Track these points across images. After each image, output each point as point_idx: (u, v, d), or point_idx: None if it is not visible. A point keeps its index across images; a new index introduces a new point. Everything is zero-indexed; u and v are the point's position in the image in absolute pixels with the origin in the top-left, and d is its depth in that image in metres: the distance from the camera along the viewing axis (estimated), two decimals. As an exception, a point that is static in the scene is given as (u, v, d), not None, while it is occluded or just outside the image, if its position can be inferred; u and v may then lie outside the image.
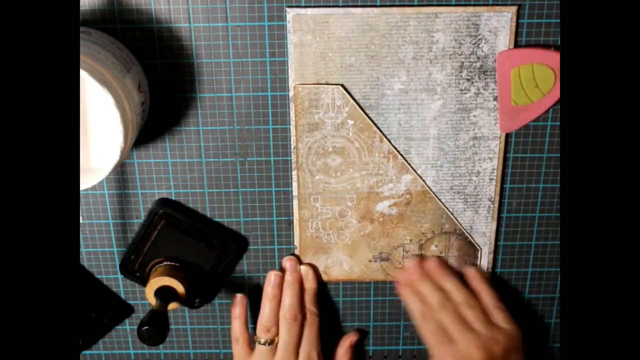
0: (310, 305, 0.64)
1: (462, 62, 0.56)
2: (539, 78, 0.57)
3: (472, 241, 0.62)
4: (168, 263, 0.63)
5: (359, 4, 0.55)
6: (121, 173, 0.62)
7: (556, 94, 0.58)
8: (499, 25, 0.55)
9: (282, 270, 0.64)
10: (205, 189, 0.62)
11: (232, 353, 0.69)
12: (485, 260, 0.64)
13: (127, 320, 0.68)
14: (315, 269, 0.64)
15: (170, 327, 0.68)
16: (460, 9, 0.54)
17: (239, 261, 0.65)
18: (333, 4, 0.55)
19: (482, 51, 0.56)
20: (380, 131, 0.58)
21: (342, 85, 0.56)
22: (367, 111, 0.57)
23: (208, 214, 0.63)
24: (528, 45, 0.57)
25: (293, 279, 0.63)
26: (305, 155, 0.58)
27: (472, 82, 0.56)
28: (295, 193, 0.61)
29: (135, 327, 0.67)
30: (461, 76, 0.56)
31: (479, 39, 0.55)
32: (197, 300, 0.66)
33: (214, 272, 0.64)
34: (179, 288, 0.61)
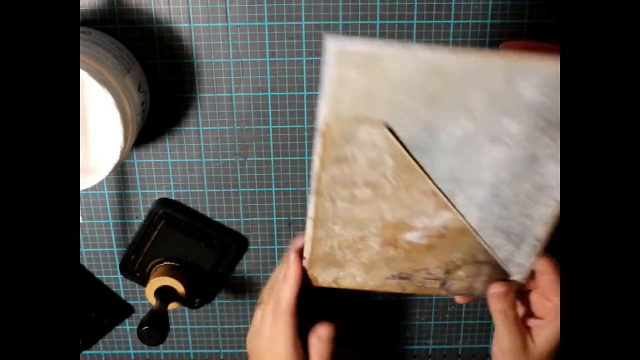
0: None
1: (545, 116, 0.46)
2: None
3: (505, 270, 0.55)
4: (168, 263, 0.63)
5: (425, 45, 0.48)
6: (121, 173, 0.62)
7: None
8: None
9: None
10: (205, 189, 0.62)
11: (234, 352, 0.69)
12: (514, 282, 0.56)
13: (127, 320, 0.68)
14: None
15: (170, 327, 0.68)
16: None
17: (239, 261, 0.65)
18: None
19: None
20: (426, 174, 0.48)
21: (387, 126, 0.45)
22: (412, 152, 0.46)
23: (208, 214, 0.63)
24: (533, 39, 0.57)
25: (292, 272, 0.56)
26: (329, 185, 0.48)
27: (547, 133, 0.47)
28: (311, 215, 0.51)
29: (135, 327, 0.67)
30: (537, 128, 0.46)
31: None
32: (197, 300, 0.66)
33: (214, 272, 0.64)
34: (179, 288, 0.61)
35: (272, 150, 0.61)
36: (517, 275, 0.55)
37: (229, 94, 0.59)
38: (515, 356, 0.55)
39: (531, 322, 0.55)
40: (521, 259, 0.53)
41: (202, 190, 0.63)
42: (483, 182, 0.48)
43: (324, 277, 0.57)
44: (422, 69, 0.43)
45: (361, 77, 0.43)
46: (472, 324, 0.69)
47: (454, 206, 0.50)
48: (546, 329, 0.54)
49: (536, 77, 0.43)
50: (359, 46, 0.42)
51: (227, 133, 0.60)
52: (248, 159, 0.61)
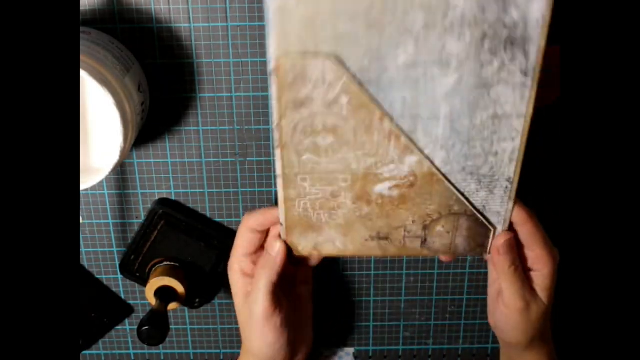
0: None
1: (485, 32, 0.46)
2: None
3: (484, 221, 0.54)
4: (168, 263, 0.63)
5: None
6: (121, 173, 0.62)
7: (556, 91, 0.58)
8: None
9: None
10: (205, 189, 0.62)
11: (234, 352, 0.69)
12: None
13: (127, 320, 0.68)
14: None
15: (170, 327, 0.68)
16: None
17: (239, 261, 0.65)
18: None
19: (511, 18, 0.46)
20: (381, 109, 0.49)
21: (335, 57, 0.47)
22: (365, 86, 0.48)
23: (208, 214, 0.63)
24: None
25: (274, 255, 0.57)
26: (291, 134, 0.50)
27: (496, 54, 0.47)
28: (279, 172, 0.52)
29: (135, 327, 0.67)
30: (483, 48, 0.47)
31: (508, 4, 0.45)
32: (197, 300, 0.66)
33: (214, 272, 0.64)
34: (179, 288, 0.61)
35: (272, 151, 0.61)
36: (498, 225, 0.55)
37: (229, 94, 0.59)
38: (525, 313, 0.55)
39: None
40: (497, 206, 0.53)
41: (202, 190, 0.63)
42: (440, 116, 0.49)
43: (304, 245, 0.56)
44: None
45: (301, 5, 0.45)
46: (472, 324, 0.69)
47: (416, 146, 0.50)
48: (538, 280, 0.55)
49: None
50: None
51: (227, 133, 0.60)
52: (248, 159, 0.61)
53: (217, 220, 0.64)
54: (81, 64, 0.48)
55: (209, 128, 0.60)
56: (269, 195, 0.63)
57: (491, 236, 0.55)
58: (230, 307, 0.67)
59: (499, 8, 0.46)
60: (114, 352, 0.69)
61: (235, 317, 0.67)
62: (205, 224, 0.63)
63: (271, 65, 0.47)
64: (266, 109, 0.60)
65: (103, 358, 0.70)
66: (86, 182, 0.52)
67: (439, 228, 0.55)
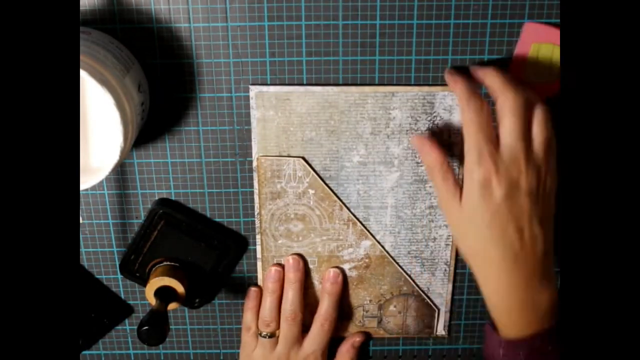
0: (329, 310, 0.64)
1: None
2: (556, 60, 0.57)
3: (430, 302, 0.64)
4: (168, 263, 0.63)
5: (321, 82, 0.57)
6: (121, 173, 0.62)
7: (555, 89, 0.58)
8: (454, 103, 0.57)
9: (284, 266, 0.64)
10: (205, 189, 0.62)
11: (234, 352, 0.69)
12: (442, 319, 0.66)
13: (127, 320, 0.68)
14: (343, 271, 0.64)
15: (170, 327, 0.68)
16: (416, 88, 0.57)
17: (239, 261, 0.65)
18: (295, 83, 0.57)
19: (438, 127, 0.58)
20: (340, 200, 0.60)
21: (303, 158, 0.59)
22: (327, 182, 0.59)
23: (208, 214, 0.64)
24: (557, 25, 0.57)
25: (295, 277, 0.63)
26: (269, 221, 0.60)
27: None
28: (259, 255, 0.62)
29: (135, 327, 0.67)
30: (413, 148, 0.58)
31: (434, 116, 0.57)
32: (197, 300, 0.66)
33: (214, 272, 0.64)
34: (179, 288, 0.61)
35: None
36: (441, 306, 0.64)
37: (229, 94, 0.59)
38: (447, 205, 0.54)
39: None
40: (439, 288, 0.63)
41: (202, 190, 0.63)
42: (387, 206, 0.60)
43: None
44: (320, 104, 0.57)
45: (277, 116, 0.57)
46: (472, 324, 0.69)
47: (369, 232, 0.61)
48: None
49: (401, 102, 0.57)
50: (271, 89, 0.57)
51: (227, 133, 0.60)
52: (248, 159, 0.61)
53: (217, 220, 0.64)
54: (81, 64, 0.48)
55: (209, 128, 0.60)
56: (269, 195, 0.63)
57: (436, 316, 0.65)
58: (230, 307, 0.67)
59: (427, 119, 0.57)
60: (114, 352, 0.69)
61: (235, 317, 0.68)
62: (205, 224, 0.63)
63: (254, 164, 0.59)
64: (266, 109, 0.60)
65: (103, 358, 0.70)
66: (86, 182, 0.52)
67: (391, 307, 0.64)
